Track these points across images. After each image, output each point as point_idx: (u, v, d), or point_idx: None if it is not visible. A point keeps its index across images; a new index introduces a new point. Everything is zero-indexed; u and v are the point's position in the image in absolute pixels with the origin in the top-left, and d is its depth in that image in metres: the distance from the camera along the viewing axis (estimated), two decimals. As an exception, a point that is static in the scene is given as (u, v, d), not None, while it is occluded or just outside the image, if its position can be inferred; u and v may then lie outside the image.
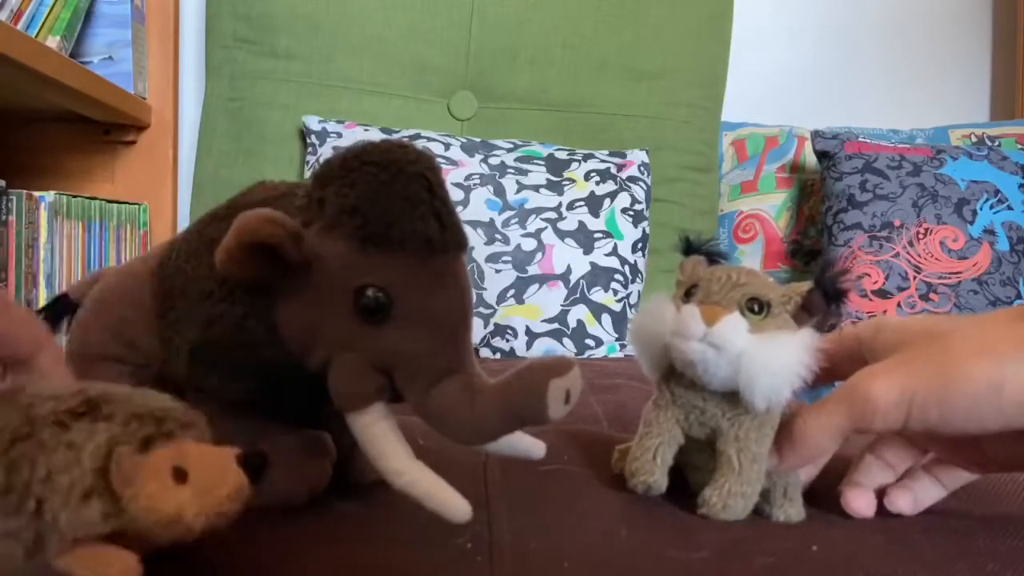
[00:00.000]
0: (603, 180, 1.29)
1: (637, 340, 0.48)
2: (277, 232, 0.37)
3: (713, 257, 0.49)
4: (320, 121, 1.33)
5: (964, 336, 0.40)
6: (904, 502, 0.47)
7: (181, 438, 0.34)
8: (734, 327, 0.43)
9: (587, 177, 1.29)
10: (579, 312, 1.19)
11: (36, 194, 1.03)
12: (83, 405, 0.33)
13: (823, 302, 0.44)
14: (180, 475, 0.33)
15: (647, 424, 0.48)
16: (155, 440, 0.33)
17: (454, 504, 0.37)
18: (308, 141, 1.33)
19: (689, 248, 0.49)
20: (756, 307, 0.44)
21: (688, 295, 0.46)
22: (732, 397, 0.44)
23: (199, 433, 0.35)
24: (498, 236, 1.20)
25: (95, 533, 0.32)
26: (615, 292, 1.22)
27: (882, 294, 1.23)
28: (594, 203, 1.26)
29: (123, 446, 0.32)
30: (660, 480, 0.47)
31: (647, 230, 1.31)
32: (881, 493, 0.48)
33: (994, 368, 0.38)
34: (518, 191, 1.25)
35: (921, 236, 1.24)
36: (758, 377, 0.42)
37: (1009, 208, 1.26)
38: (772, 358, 0.42)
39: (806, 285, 0.45)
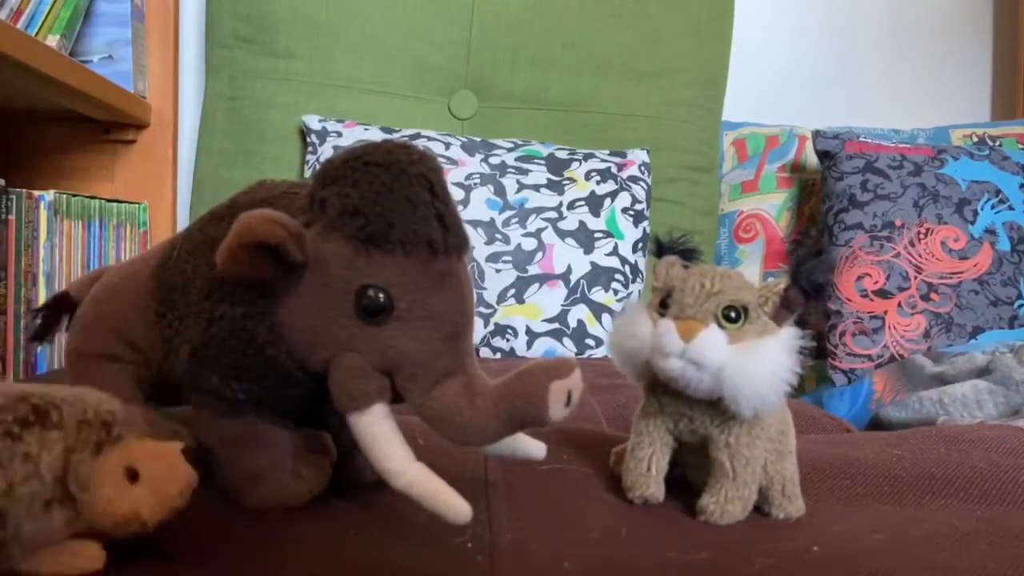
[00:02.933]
0: (603, 180, 1.29)
1: (617, 353, 0.48)
2: (278, 232, 0.37)
3: (687, 255, 0.48)
4: (320, 120, 1.33)
5: None
6: None
7: (128, 438, 0.35)
8: (711, 342, 0.42)
9: (587, 177, 1.29)
10: (579, 312, 1.19)
11: (36, 193, 1.03)
12: (31, 413, 0.33)
13: (802, 297, 0.44)
14: (132, 475, 0.34)
15: (638, 433, 0.47)
16: (105, 444, 0.34)
17: (454, 505, 0.37)
18: (308, 140, 1.33)
19: (661, 249, 0.48)
20: (733, 315, 0.43)
21: (664, 305, 0.45)
22: (720, 404, 0.44)
23: (141, 430, 0.36)
24: (498, 236, 1.20)
25: (59, 538, 0.33)
26: (616, 292, 1.22)
27: (883, 294, 1.23)
28: (594, 203, 1.26)
29: (78, 454, 0.33)
30: (656, 492, 0.47)
31: (648, 230, 1.31)
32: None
33: None
34: (518, 191, 1.25)
35: (922, 236, 1.24)
36: (741, 388, 0.42)
37: (1010, 208, 1.26)
38: (753, 368, 0.41)
39: (783, 282, 0.44)
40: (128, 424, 0.36)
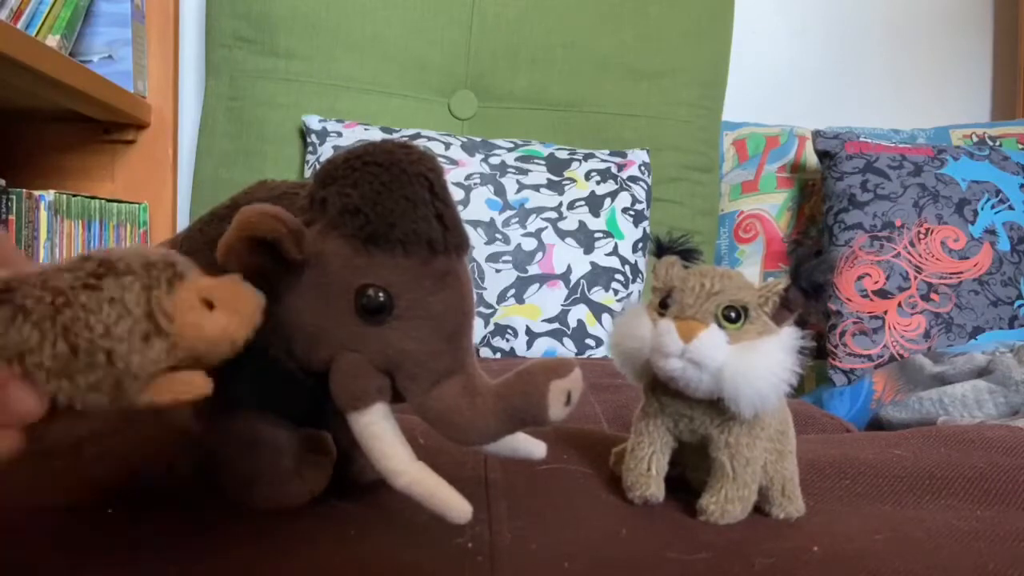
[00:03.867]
0: (604, 180, 1.29)
1: (617, 354, 0.48)
2: (278, 227, 0.37)
3: (687, 256, 0.48)
4: (320, 120, 1.33)
5: None
6: None
7: (191, 275, 0.38)
8: (711, 342, 0.42)
9: (587, 177, 1.29)
10: (579, 312, 1.19)
11: (36, 193, 1.03)
12: (99, 266, 0.36)
13: (802, 298, 0.44)
14: (208, 305, 0.37)
15: (638, 433, 0.47)
16: (174, 280, 0.36)
17: (455, 505, 0.37)
18: (308, 140, 1.33)
19: (661, 249, 0.48)
20: (733, 315, 0.43)
21: (664, 305, 0.45)
22: (720, 404, 0.44)
23: (197, 271, 0.39)
24: (498, 236, 1.20)
25: (162, 368, 0.35)
26: (616, 292, 1.22)
27: (883, 294, 1.23)
28: (595, 203, 1.26)
29: (155, 290, 0.36)
30: (657, 492, 0.47)
31: (648, 230, 1.31)
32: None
33: None
34: (518, 191, 1.25)
35: (922, 236, 1.24)
36: (741, 388, 0.42)
37: (1010, 208, 1.26)
38: (753, 368, 0.41)
39: (783, 282, 0.44)
40: (188, 265, 0.38)
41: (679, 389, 0.44)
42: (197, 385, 0.36)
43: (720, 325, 0.43)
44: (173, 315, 0.35)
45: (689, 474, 0.49)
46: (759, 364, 0.42)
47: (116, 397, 0.35)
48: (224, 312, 0.36)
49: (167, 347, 0.35)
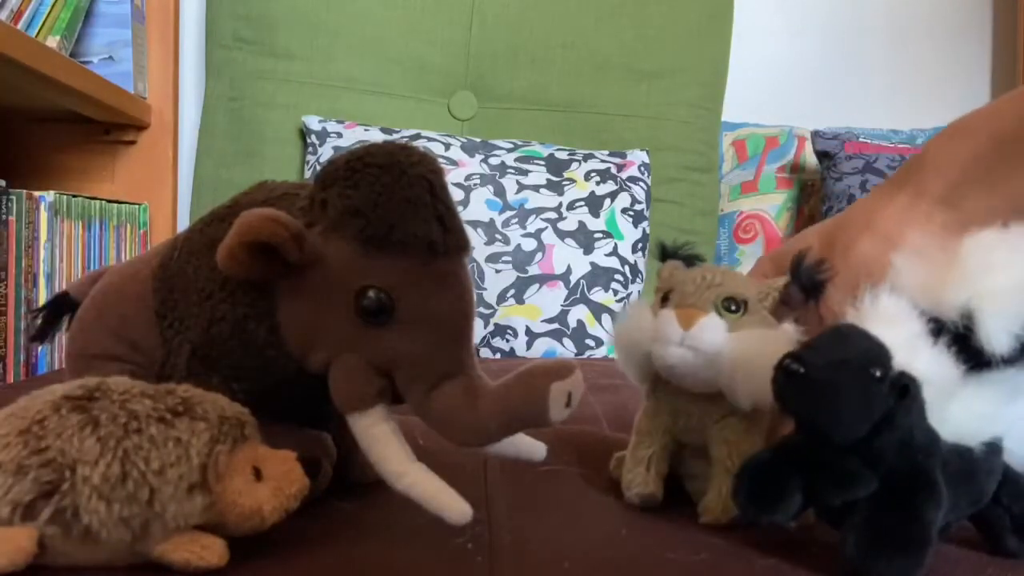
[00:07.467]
0: (603, 180, 1.29)
1: (619, 350, 0.48)
2: (278, 232, 0.37)
3: (690, 260, 0.48)
4: (320, 121, 1.33)
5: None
6: None
7: (253, 439, 0.38)
8: (711, 328, 0.42)
9: (587, 177, 1.29)
10: (579, 312, 1.19)
11: (36, 194, 1.03)
12: (180, 404, 0.36)
13: (801, 296, 0.44)
14: (257, 474, 0.37)
15: (639, 434, 0.48)
16: (239, 441, 0.37)
17: (455, 506, 0.37)
18: (308, 141, 1.33)
19: (665, 254, 0.49)
20: (733, 306, 0.43)
21: (665, 301, 0.45)
22: (719, 399, 0.44)
23: (258, 436, 0.39)
24: (498, 236, 1.20)
25: (191, 524, 0.35)
26: (615, 292, 1.22)
27: (882, 294, 1.23)
28: (594, 203, 1.26)
29: (221, 445, 0.36)
30: (656, 491, 0.47)
31: (647, 230, 1.31)
32: None
33: None
34: (518, 191, 1.25)
35: (921, 236, 1.24)
36: (739, 376, 0.42)
37: (1009, 208, 1.26)
38: (752, 356, 0.41)
39: (783, 280, 0.45)
40: (255, 428, 0.39)
41: (678, 380, 0.44)
42: (214, 554, 0.35)
43: (720, 314, 0.43)
44: (223, 475, 0.36)
45: (688, 484, 0.49)
46: (758, 352, 0.42)
47: (138, 538, 0.35)
48: (267, 488, 0.37)
49: (204, 505, 0.35)
